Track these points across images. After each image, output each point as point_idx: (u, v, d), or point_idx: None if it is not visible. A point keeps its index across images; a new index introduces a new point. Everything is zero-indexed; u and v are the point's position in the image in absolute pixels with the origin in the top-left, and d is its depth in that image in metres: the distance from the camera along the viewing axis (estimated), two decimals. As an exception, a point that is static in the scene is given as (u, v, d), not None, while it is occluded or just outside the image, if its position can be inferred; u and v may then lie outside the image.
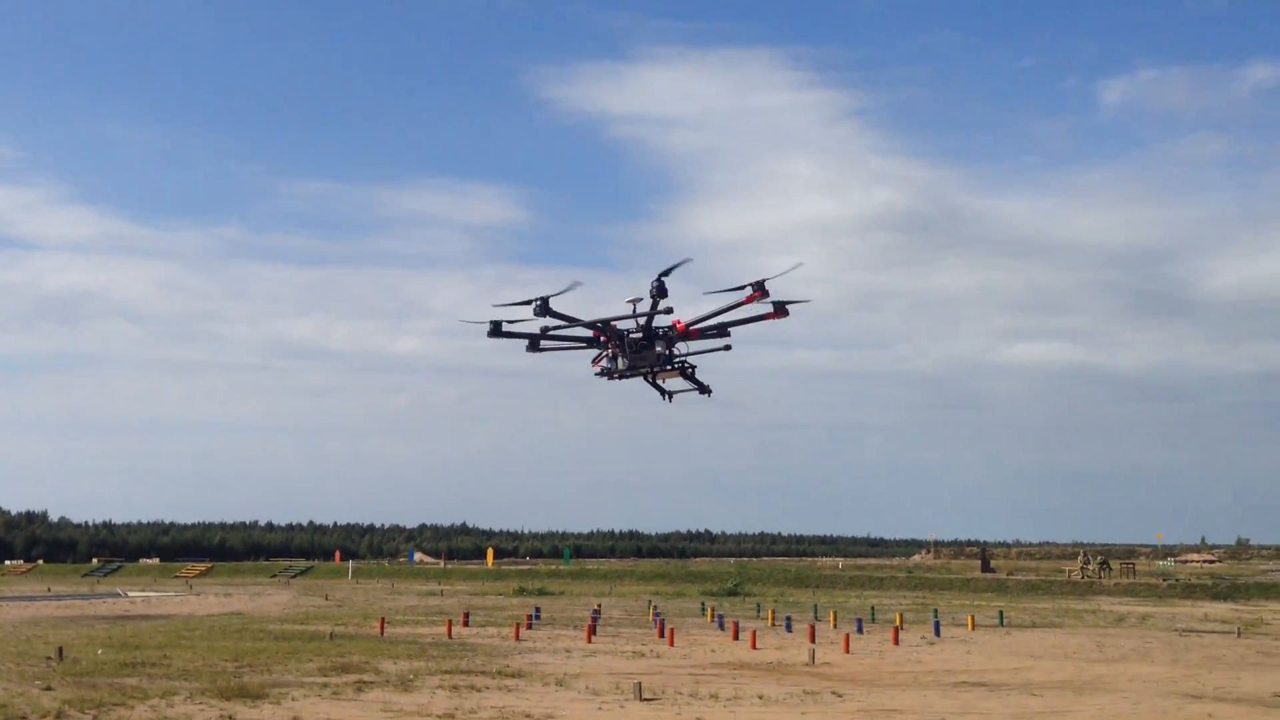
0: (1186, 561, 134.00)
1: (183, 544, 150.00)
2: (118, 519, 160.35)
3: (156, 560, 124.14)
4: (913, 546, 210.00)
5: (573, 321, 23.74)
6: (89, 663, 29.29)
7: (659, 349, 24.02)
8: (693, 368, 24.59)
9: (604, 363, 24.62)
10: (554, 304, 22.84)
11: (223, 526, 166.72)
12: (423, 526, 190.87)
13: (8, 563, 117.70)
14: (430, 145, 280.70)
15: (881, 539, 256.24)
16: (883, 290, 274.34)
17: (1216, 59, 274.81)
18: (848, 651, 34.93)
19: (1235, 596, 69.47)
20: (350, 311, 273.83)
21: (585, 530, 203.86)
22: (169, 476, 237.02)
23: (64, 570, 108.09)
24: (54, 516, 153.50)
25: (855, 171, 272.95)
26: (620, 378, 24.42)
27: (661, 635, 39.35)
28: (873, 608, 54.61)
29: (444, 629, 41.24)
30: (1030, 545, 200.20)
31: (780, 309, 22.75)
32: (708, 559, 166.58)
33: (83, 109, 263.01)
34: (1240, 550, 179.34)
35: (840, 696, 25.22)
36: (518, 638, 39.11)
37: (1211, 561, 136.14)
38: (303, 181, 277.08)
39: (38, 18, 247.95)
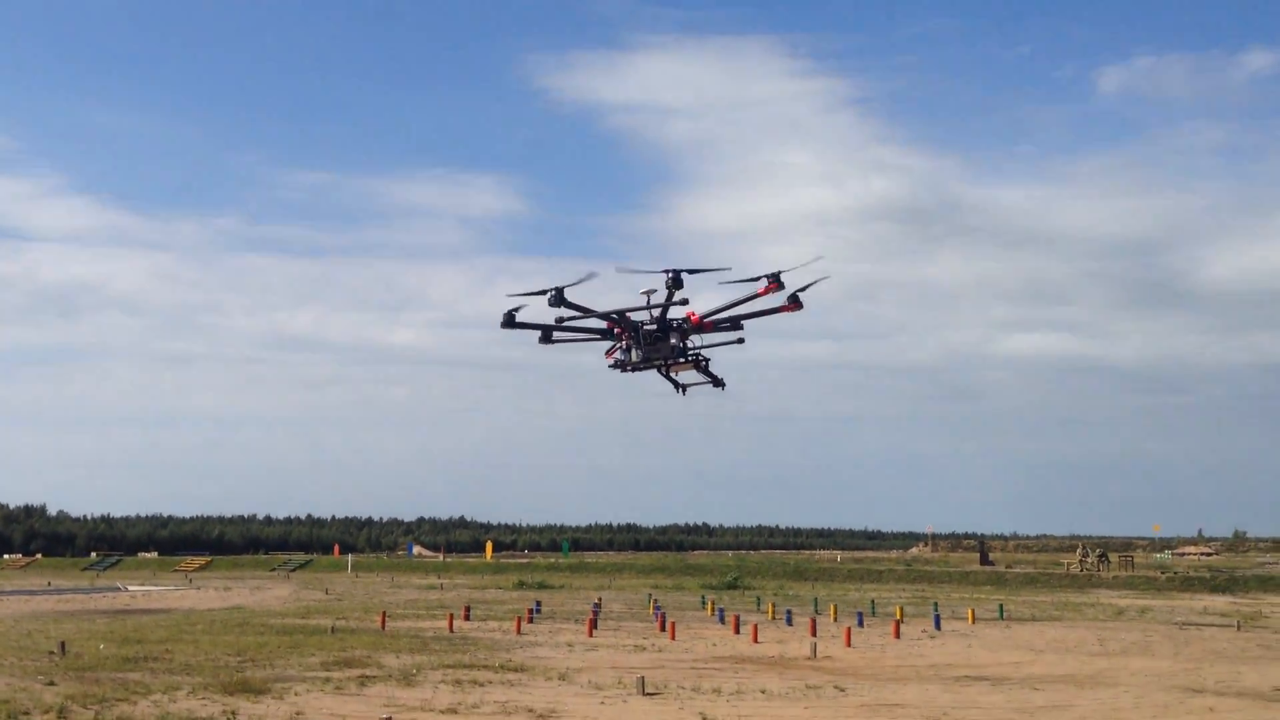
0: (1184, 554, 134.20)
1: (181, 537, 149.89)
2: (116, 512, 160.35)
3: (155, 554, 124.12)
4: (910, 539, 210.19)
5: (587, 312, 23.46)
6: (91, 657, 29.27)
7: (673, 341, 23.86)
8: (706, 360, 24.46)
9: (618, 354, 24.43)
10: (569, 295, 22.70)
11: (221, 520, 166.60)
12: (421, 520, 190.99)
13: (6, 556, 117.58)
14: (426, 136, 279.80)
15: (879, 531, 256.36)
16: (880, 281, 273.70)
17: (1214, 46, 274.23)
18: (849, 645, 34.97)
19: (1234, 589, 69.62)
20: (348, 303, 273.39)
21: (583, 523, 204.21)
22: (167, 469, 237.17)
23: (63, 564, 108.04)
24: (52, 510, 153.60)
25: (853, 161, 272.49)
26: (634, 370, 24.24)
27: (663, 629, 39.38)
28: (873, 601, 54.70)
29: (445, 623, 41.26)
30: (1027, 537, 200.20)
31: (795, 301, 22.61)
32: (706, 552, 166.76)
33: (78, 99, 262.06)
34: (1237, 543, 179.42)
35: (843, 691, 25.25)
36: (519, 631, 39.12)
37: (1209, 554, 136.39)
38: (300, 172, 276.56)
39: (32, 6, 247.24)
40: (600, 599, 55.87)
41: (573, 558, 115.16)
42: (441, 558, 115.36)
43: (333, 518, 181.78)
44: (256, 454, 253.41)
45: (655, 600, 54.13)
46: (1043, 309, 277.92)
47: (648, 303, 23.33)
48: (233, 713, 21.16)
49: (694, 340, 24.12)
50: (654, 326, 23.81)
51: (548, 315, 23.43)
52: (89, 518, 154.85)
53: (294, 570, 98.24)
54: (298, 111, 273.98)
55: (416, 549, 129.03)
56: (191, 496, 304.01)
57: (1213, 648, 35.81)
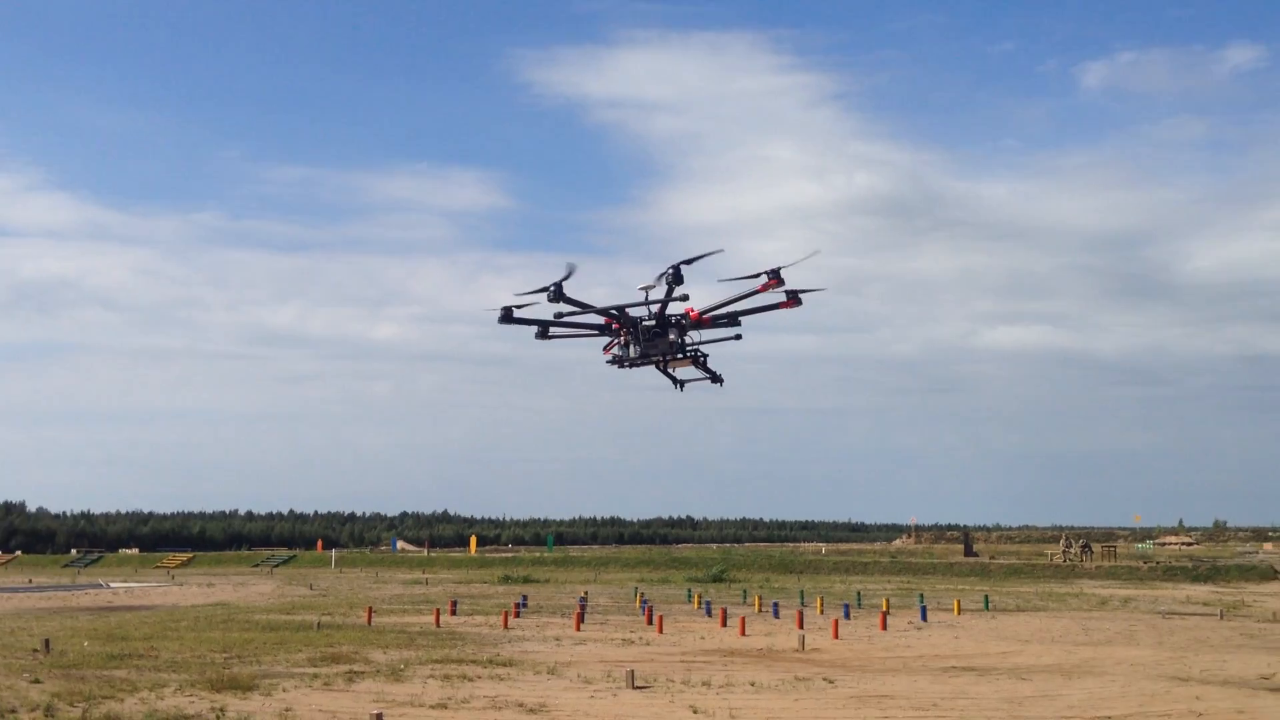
0: (1165, 544, 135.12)
1: (162, 534, 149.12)
2: (96, 509, 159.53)
3: (137, 551, 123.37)
4: (894, 531, 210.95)
5: (585, 308, 23.33)
6: (76, 655, 29.04)
7: (672, 337, 23.77)
8: (705, 356, 24.39)
9: (615, 350, 24.31)
10: (566, 289, 22.54)
11: (202, 516, 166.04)
12: (404, 514, 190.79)
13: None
14: (409, 130, 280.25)
15: (862, 524, 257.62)
16: (864, 274, 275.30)
17: (1196, 41, 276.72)
18: (836, 637, 35.05)
19: (1215, 578, 70.19)
20: (329, 298, 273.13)
21: (567, 517, 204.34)
22: (148, 465, 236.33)
23: (43, 561, 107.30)
24: (32, 507, 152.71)
25: (836, 155, 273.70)
26: (632, 366, 24.14)
27: (650, 622, 39.39)
28: (859, 593, 54.85)
29: (431, 618, 41.15)
30: (1010, 528, 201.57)
31: (794, 298, 22.53)
32: (691, 545, 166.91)
33: (58, 94, 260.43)
34: (1218, 532, 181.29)
35: (831, 682, 25.29)
36: (506, 626, 39.05)
37: (1189, 544, 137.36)
38: (282, 167, 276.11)
39: (10, 2, 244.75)
40: (586, 593, 55.89)
41: (557, 551, 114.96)
42: (426, 552, 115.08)
43: (316, 513, 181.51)
44: (238, 449, 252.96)
45: (642, 594, 54.14)
46: (1026, 302, 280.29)
47: (646, 298, 23.21)
48: (221, 710, 21.00)
49: (692, 336, 24.05)
50: (653, 322, 23.71)
51: (544, 310, 23.22)
52: (69, 514, 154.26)
53: (277, 566, 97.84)
54: (279, 106, 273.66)
55: (400, 544, 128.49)
56: (172, 493, 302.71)
57: (1196, 636, 36.07)
